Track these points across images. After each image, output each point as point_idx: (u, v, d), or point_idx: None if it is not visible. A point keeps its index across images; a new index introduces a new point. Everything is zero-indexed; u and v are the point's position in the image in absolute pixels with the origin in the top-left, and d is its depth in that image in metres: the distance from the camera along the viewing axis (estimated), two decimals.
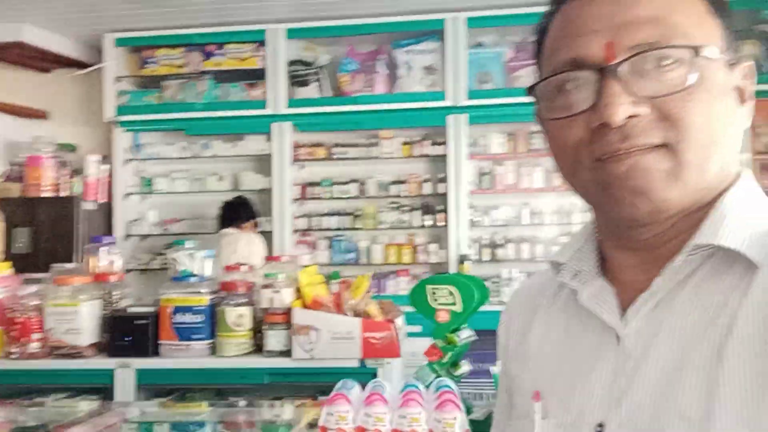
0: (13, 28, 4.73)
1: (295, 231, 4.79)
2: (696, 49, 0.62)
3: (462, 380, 1.44)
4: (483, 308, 1.59)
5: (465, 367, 1.45)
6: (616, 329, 0.67)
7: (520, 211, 4.67)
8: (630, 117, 0.61)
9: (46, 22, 4.77)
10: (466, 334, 1.47)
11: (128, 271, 4.95)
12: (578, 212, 4.53)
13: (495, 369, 1.37)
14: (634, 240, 0.68)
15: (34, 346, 2.45)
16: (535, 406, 0.70)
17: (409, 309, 1.93)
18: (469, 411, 1.25)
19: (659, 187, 0.62)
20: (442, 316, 1.39)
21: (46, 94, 5.52)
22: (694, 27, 0.63)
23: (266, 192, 4.82)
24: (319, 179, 4.84)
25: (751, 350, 0.58)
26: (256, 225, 4.55)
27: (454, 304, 1.40)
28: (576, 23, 0.65)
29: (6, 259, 3.10)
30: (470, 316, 1.46)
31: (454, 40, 4.59)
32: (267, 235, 4.83)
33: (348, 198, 4.80)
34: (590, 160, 0.64)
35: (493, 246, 4.69)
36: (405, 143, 4.75)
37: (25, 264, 3.56)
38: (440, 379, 1.23)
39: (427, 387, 1.22)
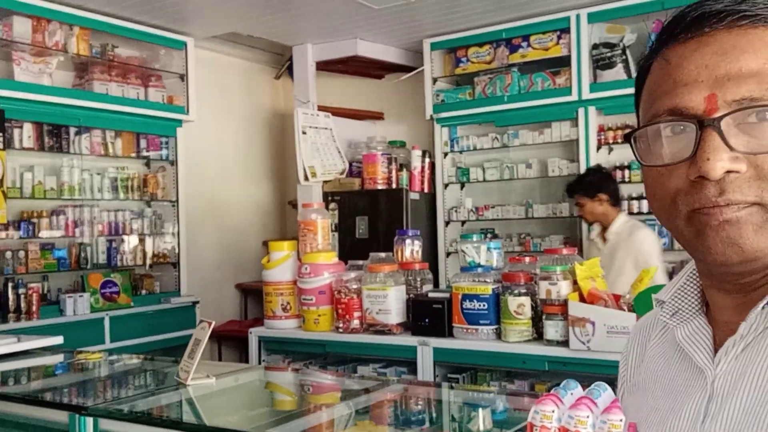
0: (349, 45, 5.51)
1: None
2: None
3: None
4: None
5: None
6: (704, 370, 0.69)
7: None
8: (727, 172, 0.61)
9: (375, 36, 5.45)
10: None
11: (448, 254, 5.44)
12: None
13: None
14: (727, 283, 0.68)
15: (355, 323, 2.96)
16: None
17: None
18: None
19: (750, 238, 0.62)
20: None
21: (379, 98, 6.30)
22: None
23: (573, 177, 4.85)
24: (627, 162, 4.70)
25: None
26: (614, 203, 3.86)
27: None
28: (678, 71, 0.65)
29: (351, 244, 3.68)
30: None
31: None
32: (576, 220, 4.88)
33: None
34: (687, 210, 0.65)
35: None
36: None
37: (364, 247, 4.17)
38: None
39: None
